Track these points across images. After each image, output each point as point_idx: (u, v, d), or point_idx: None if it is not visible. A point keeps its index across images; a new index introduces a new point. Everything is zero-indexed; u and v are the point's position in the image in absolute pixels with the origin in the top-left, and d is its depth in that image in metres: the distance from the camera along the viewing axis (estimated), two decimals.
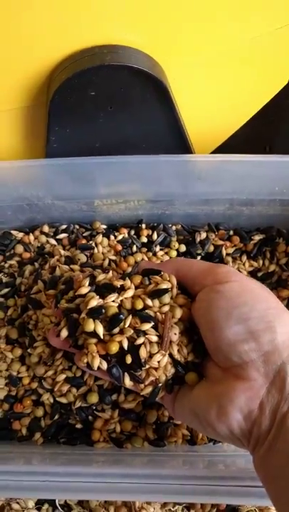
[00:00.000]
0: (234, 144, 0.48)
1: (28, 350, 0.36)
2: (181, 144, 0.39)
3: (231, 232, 0.44)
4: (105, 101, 0.35)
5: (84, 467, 0.29)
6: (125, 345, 0.27)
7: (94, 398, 0.33)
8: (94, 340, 0.28)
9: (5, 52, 0.33)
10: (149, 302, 0.28)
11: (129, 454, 0.32)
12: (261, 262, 0.43)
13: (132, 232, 0.44)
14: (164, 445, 0.33)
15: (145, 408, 0.34)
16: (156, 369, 0.27)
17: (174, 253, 0.43)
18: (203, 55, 0.37)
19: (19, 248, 0.44)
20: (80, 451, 0.33)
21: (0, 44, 0.33)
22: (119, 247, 0.42)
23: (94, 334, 0.27)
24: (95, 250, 0.42)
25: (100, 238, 0.43)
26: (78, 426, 0.34)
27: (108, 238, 0.43)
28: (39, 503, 0.33)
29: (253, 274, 0.43)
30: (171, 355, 0.28)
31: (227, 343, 0.25)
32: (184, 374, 0.28)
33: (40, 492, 0.29)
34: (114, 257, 0.41)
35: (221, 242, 0.43)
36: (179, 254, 0.43)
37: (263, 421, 0.23)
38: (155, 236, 0.43)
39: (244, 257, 0.43)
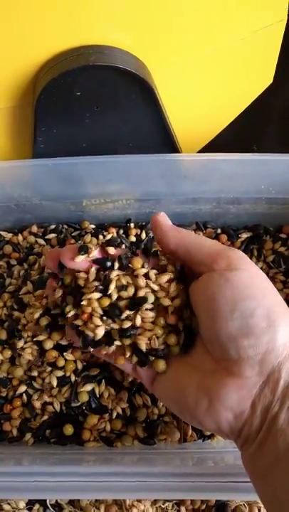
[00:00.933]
0: (221, 143, 0.48)
1: (18, 351, 0.37)
2: (167, 144, 0.40)
3: (219, 231, 0.45)
4: (91, 101, 0.35)
5: (75, 466, 0.29)
6: None
7: (84, 397, 0.34)
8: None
9: None
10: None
11: (120, 452, 0.32)
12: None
13: (121, 231, 0.44)
14: (153, 443, 0.34)
15: (134, 407, 0.34)
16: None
17: None
18: (188, 55, 0.37)
19: (8, 249, 0.44)
20: (71, 451, 0.33)
21: None
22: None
23: None
24: None
25: (88, 238, 0.42)
26: (69, 427, 0.34)
27: (97, 238, 0.43)
28: (30, 504, 0.33)
29: None
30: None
31: (227, 335, 0.24)
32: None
33: (31, 492, 0.29)
34: None
35: None
36: None
37: (254, 421, 0.23)
38: (144, 235, 0.43)
39: None
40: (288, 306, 0.25)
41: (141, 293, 0.27)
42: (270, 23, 0.35)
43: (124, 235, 0.43)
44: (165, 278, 0.27)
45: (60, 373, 0.34)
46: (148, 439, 0.34)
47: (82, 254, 0.28)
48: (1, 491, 0.29)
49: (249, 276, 0.25)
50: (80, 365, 0.35)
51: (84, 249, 0.28)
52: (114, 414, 0.34)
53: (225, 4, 0.35)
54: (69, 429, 0.34)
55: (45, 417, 0.35)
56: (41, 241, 0.43)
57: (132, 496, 0.28)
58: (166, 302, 0.27)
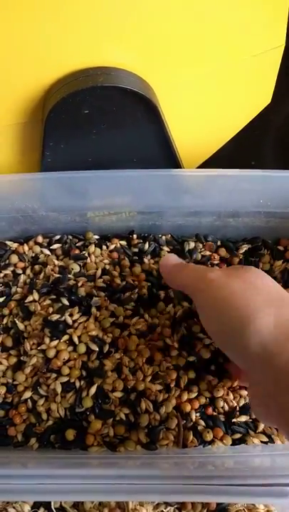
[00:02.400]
0: (220, 158, 0.50)
1: (22, 358, 0.38)
2: (170, 159, 0.41)
3: (219, 243, 0.46)
4: (98, 119, 0.37)
5: (79, 469, 0.30)
6: None
7: (89, 403, 0.35)
8: None
9: (3, 72, 0.35)
10: None
11: (123, 457, 0.33)
12: None
13: (124, 242, 0.45)
14: (155, 448, 0.35)
15: (137, 413, 0.35)
16: None
17: None
18: (190, 76, 0.39)
19: (14, 258, 0.45)
20: (75, 455, 0.34)
21: None
22: (116, 255, 0.43)
23: None
24: (88, 260, 0.43)
25: (92, 248, 0.44)
26: (71, 432, 0.35)
27: (100, 248, 0.45)
28: (35, 507, 0.34)
29: None
30: None
31: (219, 343, 0.29)
32: None
33: (35, 495, 0.30)
34: (107, 266, 0.43)
35: (208, 253, 0.45)
36: None
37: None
38: (146, 246, 0.45)
39: None
40: None
41: None
42: (269, 48, 0.37)
43: (127, 246, 0.45)
44: None
45: (64, 379, 0.36)
46: (150, 444, 0.35)
47: None
48: (6, 493, 0.30)
49: (221, 292, 0.28)
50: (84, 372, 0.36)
51: None
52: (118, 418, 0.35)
53: (227, 31, 0.37)
54: (70, 436, 0.35)
55: (50, 423, 0.36)
56: (46, 251, 0.45)
57: (135, 498, 0.29)
58: None
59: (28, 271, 0.44)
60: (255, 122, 0.47)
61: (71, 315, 0.38)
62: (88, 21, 0.33)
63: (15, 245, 0.45)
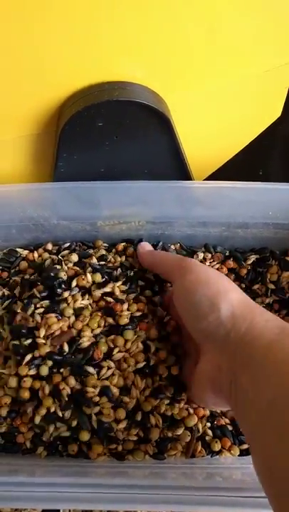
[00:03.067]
0: (230, 169, 0.51)
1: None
2: (180, 171, 0.42)
3: (227, 253, 0.47)
4: (112, 131, 0.38)
5: (88, 478, 0.31)
6: None
7: (85, 436, 0.34)
8: None
9: (20, 85, 0.36)
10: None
11: (131, 466, 0.34)
12: (257, 285, 0.45)
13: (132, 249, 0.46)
14: (164, 458, 0.35)
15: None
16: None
17: None
18: (202, 90, 0.39)
19: (23, 265, 0.45)
20: (84, 463, 0.34)
21: (16, 78, 0.35)
22: (121, 247, 0.44)
23: None
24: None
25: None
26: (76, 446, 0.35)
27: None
28: None
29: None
30: None
31: (191, 324, 0.32)
32: None
33: (44, 502, 0.30)
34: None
35: (217, 266, 0.45)
36: None
37: (225, 381, 0.28)
38: None
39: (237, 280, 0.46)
40: None
41: None
42: (280, 64, 0.38)
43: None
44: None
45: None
46: (158, 454, 0.35)
47: None
48: (15, 501, 0.30)
49: (194, 276, 0.32)
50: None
51: None
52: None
53: (240, 48, 0.37)
54: (75, 448, 0.35)
55: (56, 434, 0.35)
56: (55, 258, 0.45)
57: (143, 508, 0.29)
58: None
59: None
60: (264, 134, 0.48)
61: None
62: (104, 37, 0.34)
63: (25, 252, 0.46)
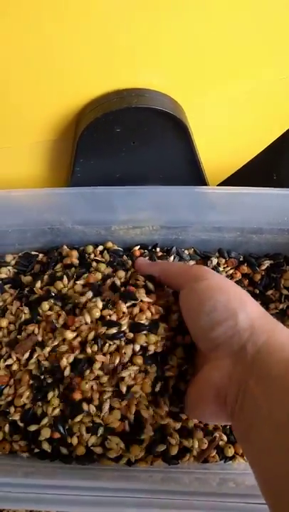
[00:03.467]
0: (244, 173, 0.51)
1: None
2: (196, 176, 0.42)
3: (241, 258, 0.47)
4: (129, 137, 0.38)
5: (100, 482, 0.31)
6: None
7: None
8: None
9: (40, 94, 0.36)
10: None
11: (144, 470, 0.34)
12: (270, 291, 0.45)
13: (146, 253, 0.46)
14: (177, 463, 0.35)
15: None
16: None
17: None
18: (219, 97, 0.40)
19: (37, 267, 0.46)
20: (97, 467, 0.35)
21: (36, 87, 0.36)
22: (138, 253, 0.45)
23: None
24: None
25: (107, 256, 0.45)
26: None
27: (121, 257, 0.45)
28: None
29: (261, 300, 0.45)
30: None
31: (201, 331, 0.31)
32: None
33: (54, 505, 0.30)
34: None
35: (231, 271, 0.45)
36: None
37: (233, 391, 0.28)
38: (172, 259, 0.45)
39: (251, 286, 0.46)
40: None
41: None
42: None
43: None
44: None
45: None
46: (171, 459, 0.35)
47: None
48: (30, 502, 0.31)
49: (208, 283, 0.32)
50: None
51: None
52: None
53: (256, 57, 0.37)
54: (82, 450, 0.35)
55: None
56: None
57: None
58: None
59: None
60: (278, 139, 0.48)
61: None
62: (122, 46, 0.34)
63: (40, 255, 0.46)
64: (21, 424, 0.35)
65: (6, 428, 0.36)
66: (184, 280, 0.34)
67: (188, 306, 0.32)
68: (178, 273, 0.35)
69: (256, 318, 0.29)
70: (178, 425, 0.35)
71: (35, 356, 0.36)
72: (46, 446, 0.35)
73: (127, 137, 0.38)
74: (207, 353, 0.31)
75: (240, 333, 0.28)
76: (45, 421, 0.34)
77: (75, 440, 0.35)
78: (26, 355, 0.37)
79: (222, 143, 0.45)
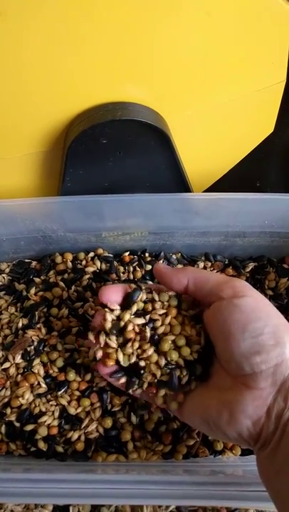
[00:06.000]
0: (228, 180, 0.53)
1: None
2: (180, 184, 0.44)
3: (226, 261, 0.49)
4: (115, 148, 0.40)
5: (98, 475, 0.32)
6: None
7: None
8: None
9: (31, 108, 0.39)
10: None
11: (138, 464, 0.35)
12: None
13: (136, 259, 0.48)
14: (170, 457, 0.36)
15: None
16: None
17: None
18: (199, 109, 0.42)
19: (32, 275, 0.47)
20: (94, 463, 0.36)
21: (26, 101, 0.38)
22: (128, 259, 0.46)
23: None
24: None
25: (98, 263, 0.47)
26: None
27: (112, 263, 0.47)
28: None
29: None
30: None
31: (240, 354, 0.27)
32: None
33: (55, 498, 0.31)
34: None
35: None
36: None
37: (270, 426, 0.26)
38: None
39: None
40: None
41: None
42: (271, 84, 0.41)
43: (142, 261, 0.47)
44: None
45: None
46: (166, 454, 0.36)
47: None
48: (31, 496, 0.32)
49: (254, 300, 0.28)
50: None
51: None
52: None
53: (233, 71, 0.40)
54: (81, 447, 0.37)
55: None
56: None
57: (150, 502, 0.31)
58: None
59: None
60: (260, 148, 0.50)
61: None
62: (108, 62, 0.37)
63: (34, 263, 0.48)
64: (17, 424, 0.37)
65: (3, 429, 0.37)
66: (221, 290, 0.29)
67: (226, 323, 0.28)
68: (215, 280, 0.31)
69: None
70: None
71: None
72: (42, 445, 0.36)
73: (113, 148, 0.40)
74: (238, 377, 0.28)
75: (286, 364, 0.26)
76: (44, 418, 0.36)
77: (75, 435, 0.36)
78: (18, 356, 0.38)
79: (204, 152, 0.48)
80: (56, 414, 0.37)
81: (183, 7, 0.34)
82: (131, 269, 0.47)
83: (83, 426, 0.37)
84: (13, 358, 0.38)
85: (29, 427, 0.36)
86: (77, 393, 0.38)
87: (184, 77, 0.39)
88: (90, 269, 0.45)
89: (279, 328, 0.27)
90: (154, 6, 0.34)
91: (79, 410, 0.37)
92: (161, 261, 0.47)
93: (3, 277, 0.47)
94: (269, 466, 0.26)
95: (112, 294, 0.32)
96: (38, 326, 0.41)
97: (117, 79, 0.38)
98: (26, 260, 0.48)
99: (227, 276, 0.32)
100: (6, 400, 0.38)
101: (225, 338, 0.28)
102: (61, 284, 0.44)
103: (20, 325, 0.41)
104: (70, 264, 0.46)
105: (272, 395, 0.26)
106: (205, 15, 0.34)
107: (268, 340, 0.27)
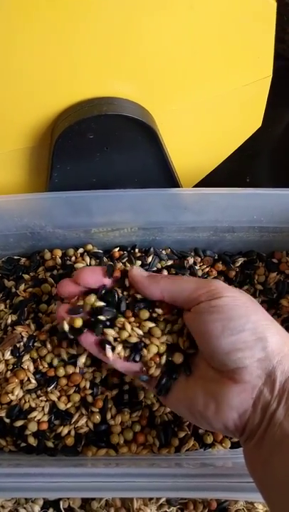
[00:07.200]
0: (217, 176, 0.53)
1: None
2: (169, 179, 0.44)
3: (216, 256, 0.49)
4: (102, 143, 0.40)
5: (89, 469, 0.32)
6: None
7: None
8: None
9: (17, 102, 0.38)
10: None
11: (128, 458, 0.35)
12: (246, 287, 0.47)
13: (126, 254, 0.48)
14: (162, 451, 0.37)
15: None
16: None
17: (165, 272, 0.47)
18: (186, 104, 0.42)
19: (21, 271, 0.47)
20: (84, 457, 0.36)
21: (12, 96, 0.38)
22: (118, 254, 0.46)
23: None
24: None
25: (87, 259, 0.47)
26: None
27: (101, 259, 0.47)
28: (45, 508, 0.36)
29: None
30: None
31: (223, 352, 0.27)
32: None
33: (45, 492, 0.31)
34: None
35: (207, 269, 0.47)
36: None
37: (255, 417, 0.26)
38: (150, 259, 0.47)
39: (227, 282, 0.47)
40: None
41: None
42: (258, 78, 0.41)
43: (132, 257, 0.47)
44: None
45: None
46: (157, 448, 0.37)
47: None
48: (19, 491, 0.32)
49: (232, 300, 0.29)
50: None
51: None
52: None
53: (219, 65, 0.40)
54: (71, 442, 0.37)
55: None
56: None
57: (140, 495, 0.31)
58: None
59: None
60: (248, 143, 0.51)
61: None
62: (94, 57, 0.37)
63: (23, 260, 0.48)
64: (7, 420, 0.37)
65: None
66: (198, 296, 0.30)
67: (206, 324, 0.29)
68: (190, 289, 0.31)
69: (285, 343, 0.28)
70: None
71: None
72: (32, 441, 0.36)
73: (100, 143, 0.40)
74: (223, 372, 0.28)
75: (269, 358, 0.27)
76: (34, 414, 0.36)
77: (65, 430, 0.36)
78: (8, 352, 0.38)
79: (192, 147, 0.48)
80: (46, 409, 0.37)
81: (166, 0, 0.35)
82: (121, 265, 0.46)
83: (73, 421, 0.37)
84: (3, 355, 0.38)
85: (19, 423, 0.36)
86: (67, 388, 0.38)
87: (170, 72, 0.39)
88: (80, 265, 0.45)
89: (260, 323, 0.28)
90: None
91: (69, 405, 0.37)
92: (151, 257, 0.47)
93: None
94: (255, 456, 0.27)
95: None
96: (27, 322, 0.41)
97: (103, 74, 0.38)
98: (15, 257, 0.48)
99: (201, 279, 0.32)
100: None
101: (206, 338, 0.29)
102: (50, 280, 0.44)
103: (9, 321, 0.41)
104: (59, 261, 0.46)
105: (257, 387, 0.27)
106: (188, 8, 0.34)
107: (250, 336, 0.27)
